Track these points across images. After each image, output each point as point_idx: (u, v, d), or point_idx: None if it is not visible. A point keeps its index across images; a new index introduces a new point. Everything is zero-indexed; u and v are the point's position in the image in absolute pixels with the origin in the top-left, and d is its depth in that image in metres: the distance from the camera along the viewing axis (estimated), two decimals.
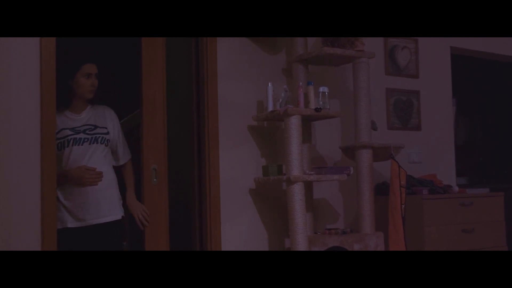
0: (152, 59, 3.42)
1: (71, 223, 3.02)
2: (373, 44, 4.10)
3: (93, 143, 3.08)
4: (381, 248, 3.61)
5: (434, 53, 4.61)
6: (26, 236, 2.92)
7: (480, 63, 5.41)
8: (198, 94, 3.68)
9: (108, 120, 3.20)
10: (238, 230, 3.62)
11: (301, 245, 3.33)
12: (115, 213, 3.10)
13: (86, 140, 3.07)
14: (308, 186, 3.66)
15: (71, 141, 3.05)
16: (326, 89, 3.58)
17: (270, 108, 3.54)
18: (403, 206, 3.61)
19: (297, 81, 3.67)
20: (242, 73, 3.72)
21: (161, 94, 3.44)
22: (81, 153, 3.05)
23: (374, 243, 3.59)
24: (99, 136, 3.11)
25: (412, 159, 4.40)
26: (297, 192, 3.35)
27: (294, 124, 3.38)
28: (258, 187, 3.70)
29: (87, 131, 3.08)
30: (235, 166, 3.64)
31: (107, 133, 3.15)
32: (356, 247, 3.54)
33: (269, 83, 3.58)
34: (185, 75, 3.77)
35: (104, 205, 3.05)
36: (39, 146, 2.99)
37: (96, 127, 3.12)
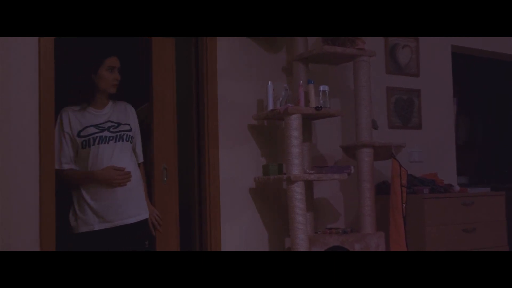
0: (162, 59, 3.43)
1: (98, 225, 2.88)
2: (374, 43, 4.09)
3: (119, 141, 2.95)
4: (382, 247, 3.60)
5: (435, 52, 4.61)
6: (25, 236, 2.91)
7: (481, 62, 5.40)
8: (198, 93, 3.67)
9: (130, 117, 3.09)
10: (238, 230, 3.61)
11: (302, 244, 3.32)
12: (142, 213, 2.99)
13: (111, 138, 2.94)
14: (309, 186, 3.65)
15: (97, 139, 2.92)
16: (326, 88, 3.57)
17: (270, 107, 3.53)
18: (404, 205, 3.61)
19: (298, 79, 3.65)
20: (242, 72, 3.71)
21: (170, 93, 3.44)
22: (107, 152, 2.92)
23: (375, 242, 3.57)
24: (124, 134, 2.98)
25: (413, 158, 4.38)
26: (298, 192, 3.34)
27: (295, 123, 3.37)
28: (258, 187, 3.69)
29: (111, 129, 2.96)
30: (235, 165, 3.63)
31: (130, 129, 3.04)
32: (357, 247, 3.53)
33: (269, 82, 3.57)
34: (184, 74, 3.76)
35: (132, 204, 2.93)
36: (38, 146, 2.98)
37: (119, 124, 3.00)
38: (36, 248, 2.93)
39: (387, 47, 4.34)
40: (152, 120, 3.39)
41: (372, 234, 3.60)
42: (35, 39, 3.02)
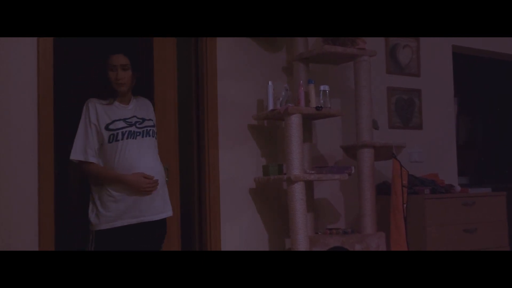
0: (163, 59, 3.42)
1: (121, 222, 2.75)
2: (374, 43, 4.08)
3: (145, 136, 2.85)
4: (382, 248, 3.59)
5: (436, 52, 4.60)
6: (24, 236, 2.91)
7: (482, 62, 5.38)
8: (198, 93, 3.66)
9: (151, 112, 3.00)
10: (238, 230, 3.60)
11: (302, 245, 3.31)
12: (167, 210, 2.90)
13: (138, 133, 2.84)
14: (309, 186, 3.64)
15: (126, 134, 2.80)
16: (327, 88, 3.56)
17: (271, 107, 3.52)
18: (405, 205, 3.60)
19: (298, 79, 3.64)
20: (242, 71, 3.70)
21: (172, 93, 3.43)
22: (136, 147, 2.80)
23: (375, 243, 3.56)
24: (150, 129, 2.89)
25: (414, 159, 4.37)
26: (298, 192, 3.33)
27: (295, 123, 3.36)
28: (258, 187, 3.68)
29: (137, 124, 2.86)
30: (235, 165, 3.62)
31: (154, 125, 2.94)
32: (358, 248, 3.52)
33: (270, 82, 3.56)
34: (184, 74, 3.75)
35: (158, 202, 2.83)
36: (37, 146, 2.99)
37: (143, 119, 2.90)
38: (35, 248, 2.92)
39: (387, 47, 4.33)
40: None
41: (373, 235, 3.59)
42: (34, 39, 3.02)
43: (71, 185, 6.11)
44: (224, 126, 3.60)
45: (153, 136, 2.90)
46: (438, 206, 3.84)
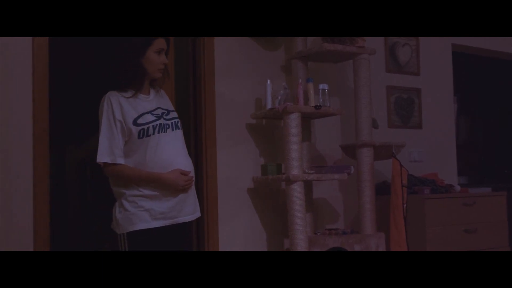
0: None
1: (155, 223, 2.53)
2: (374, 41, 4.05)
3: (174, 129, 2.62)
4: (382, 248, 3.56)
5: (435, 51, 4.58)
6: (19, 236, 2.90)
7: (482, 61, 5.37)
8: (195, 91, 3.64)
9: (170, 103, 2.78)
10: (236, 230, 3.57)
11: (301, 245, 3.29)
12: (198, 210, 2.71)
13: (167, 126, 2.60)
14: (308, 186, 3.61)
15: (157, 127, 2.56)
16: (326, 86, 3.55)
17: (269, 106, 3.50)
18: (404, 205, 3.58)
19: (297, 78, 3.62)
20: (240, 70, 3.67)
21: (169, 93, 3.38)
22: (169, 142, 2.58)
23: (375, 243, 3.53)
24: (178, 121, 2.66)
25: (413, 158, 4.35)
26: (297, 192, 3.31)
27: (294, 122, 3.34)
28: (257, 187, 3.65)
29: (164, 116, 2.62)
30: (233, 165, 3.59)
31: (178, 116, 2.71)
32: (357, 248, 3.49)
33: (268, 80, 3.54)
34: (182, 73, 3.72)
35: (191, 202, 2.64)
36: (32, 145, 2.97)
37: (168, 111, 2.66)
38: (30, 248, 2.91)
39: (387, 46, 4.30)
40: None
41: (372, 235, 3.56)
42: (29, 39, 3.00)
43: (68, 186, 6.08)
44: (222, 125, 3.57)
45: (180, 129, 2.69)
46: (438, 206, 3.82)
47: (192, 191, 2.65)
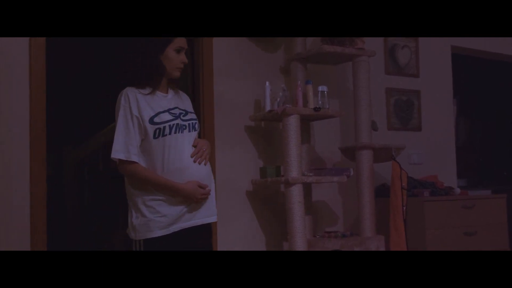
0: None
1: (173, 227, 2.46)
2: (373, 43, 4.03)
3: (191, 130, 2.53)
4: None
5: (435, 53, 4.57)
6: (17, 236, 2.89)
7: (481, 63, 5.36)
8: (194, 93, 3.62)
9: (190, 106, 2.67)
10: (235, 233, 3.56)
11: (300, 248, 3.28)
12: (215, 214, 2.62)
13: (184, 127, 2.51)
14: (307, 188, 3.59)
15: (174, 127, 2.47)
16: (325, 88, 3.53)
17: (268, 108, 3.48)
18: (404, 208, 3.56)
19: (296, 80, 3.61)
20: (238, 71, 3.66)
21: None
22: (185, 143, 2.49)
23: (374, 246, 3.52)
24: (195, 123, 2.57)
25: (413, 160, 4.33)
26: (296, 194, 3.29)
27: (293, 124, 3.32)
28: (256, 189, 3.63)
29: (181, 116, 2.53)
30: (232, 167, 3.57)
31: (197, 119, 2.62)
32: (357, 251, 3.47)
33: (267, 82, 3.53)
34: (180, 74, 3.70)
35: (209, 204, 2.57)
36: (29, 145, 2.95)
37: (186, 111, 2.58)
38: (27, 248, 2.90)
39: (386, 48, 4.29)
40: None
41: (372, 238, 3.55)
42: (26, 39, 2.98)
43: (66, 186, 6.06)
44: (221, 127, 3.55)
45: (197, 130, 2.60)
46: (437, 208, 3.81)
47: (212, 194, 2.57)
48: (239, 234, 3.59)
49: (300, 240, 3.28)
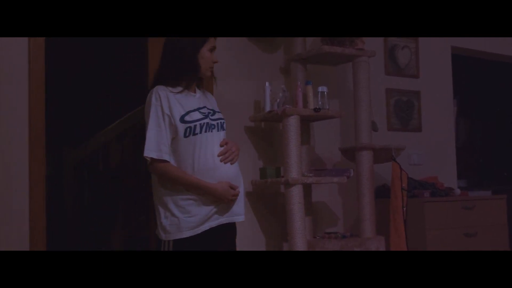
0: (158, 59, 3.35)
1: (203, 227, 2.46)
2: (373, 44, 4.02)
3: (219, 130, 2.54)
4: None
5: (435, 53, 4.56)
6: (16, 237, 2.89)
7: (481, 63, 5.35)
8: None
9: (216, 106, 2.68)
10: None
11: (300, 249, 3.27)
12: (243, 214, 2.64)
13: (213, 126, 2.51)
14: (307, 189, 3.58)
15: (204, 126, 2.46)
16: (325, 89, 3.53)
17: (268, 109, 3.47)
18: (404, 209, 3.56)
19: (296, 80, 3.60)
20: (238, 72, 3.65)
21: None
22: (215, 143, 2.49)
23: (375, 247, 3.51)
24: (223, 122, 2.58)
25: (413, 161, 4.33)
26: (296, 195, 3.29)
27: (293, 124, 3.32)
28: (255, 190, 3.63)
29: (210, 116, 2.53)
30: None
31: (224, 118, 2.63)
32: None
33: (267, 83, 3.52)
34: None
35: (239, 202, 2.57)
36: (28, 146, 2.95)
37: (214, 111, 2.58)
38: (26, 248, 2.90)
39: (386, 48, 4.28)
40: None
41: (372, 239, 3.54)
42: (25, 39, 2.97)
43: (65, 187, 6.05)
44: None
45: (225, 129, 2.61)
46: (438, 209, 3.80)
47: (241, 194, 2.57)
48: (239, 234, 3.57)
49: (300, 241, 3.27)
